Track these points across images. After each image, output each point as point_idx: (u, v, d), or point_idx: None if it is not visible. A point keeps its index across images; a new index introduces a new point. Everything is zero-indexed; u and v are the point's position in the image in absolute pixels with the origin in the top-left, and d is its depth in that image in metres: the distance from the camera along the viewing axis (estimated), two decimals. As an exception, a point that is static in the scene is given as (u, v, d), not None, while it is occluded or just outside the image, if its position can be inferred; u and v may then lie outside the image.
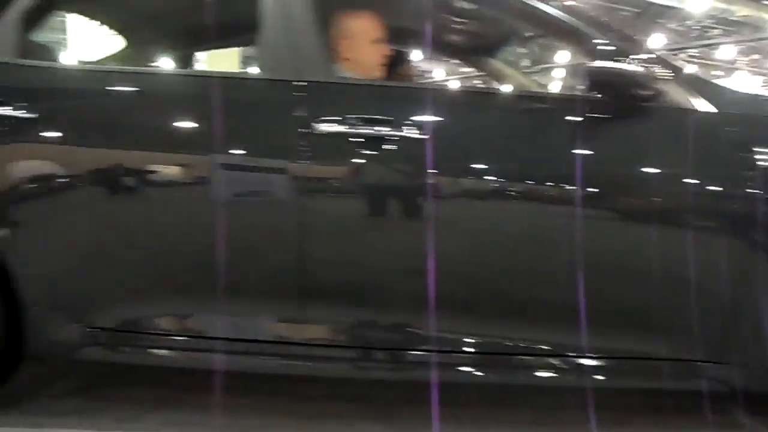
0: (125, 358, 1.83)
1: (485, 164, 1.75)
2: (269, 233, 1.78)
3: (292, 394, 2.11)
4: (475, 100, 1.93)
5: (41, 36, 2.02)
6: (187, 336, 1.83)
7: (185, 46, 2.60)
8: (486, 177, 1.75)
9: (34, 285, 1.78)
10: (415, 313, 1.73)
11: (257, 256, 1.80)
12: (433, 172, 1.71)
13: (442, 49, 2.64)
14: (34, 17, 1.95)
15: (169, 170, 1.78)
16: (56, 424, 1.90)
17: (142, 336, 1.81)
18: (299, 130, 1.71)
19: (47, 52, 2.08)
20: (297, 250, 1.74)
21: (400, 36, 2.29)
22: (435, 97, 1.86)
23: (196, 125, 1.79)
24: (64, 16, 1.99)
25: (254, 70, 2.42)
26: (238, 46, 2.87)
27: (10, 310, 1.80)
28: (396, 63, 2.33)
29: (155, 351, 1.82)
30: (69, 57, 2.06)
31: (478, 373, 1.79)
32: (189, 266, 1.79)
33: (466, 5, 2.29)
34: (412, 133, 1.70)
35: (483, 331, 1.78)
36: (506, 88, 2.54)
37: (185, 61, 2.72)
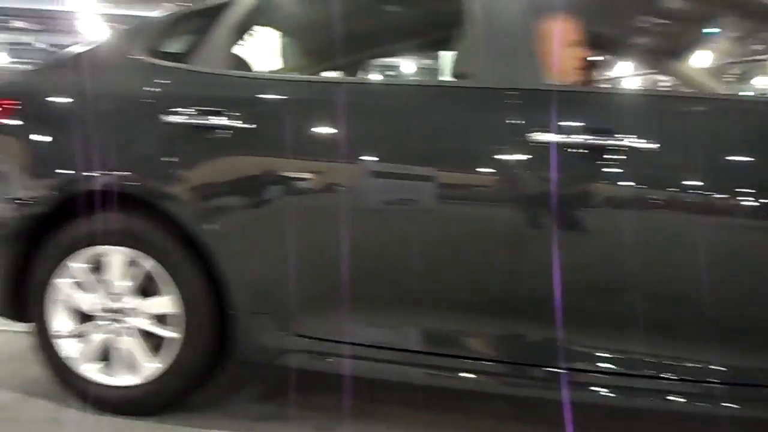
0: (330, 368, 1.82)
1: (716, 176, 1.59)
2: (478, 245, 1.71)
3: (484, 412, 2.05)
4: (703, 105, 1.77)
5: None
6: (388, 348, 1.80)
7: (383, 55, 2.60)
8: (715, 189, 1.59)
9: (244, 290, 1.82)
10: (612, 331, 1.66)
11: (463, 269, 1.74)
12: (661, 184, 1.60)
13: (644, 52, 2.47)
14: (240, 31, 2.00)
15: (375, 181, 1.75)
16: (248, 428, 1.94)
17: (346, 346, 1.80)
18: (513, 139, 1.64)
19: (247, 63, 2.14)
20: (505, 262, 1.67)
21: (597, 39, 2.16)
22: (657, 103, 1.73)
23: (404, 136, 1.75)
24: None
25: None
26: (431, 53, 2.81)
27: (219, 312, 1.86)
28: (589, 67, 2.21)
29: (359, 362, 1.80)
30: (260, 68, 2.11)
31: (610, 395, 1.67)
32: (393, 277, 1.76)
33: (677, 4, 2.12)
34: (637, 142, 1.58)
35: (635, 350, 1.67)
36: (736, 93, 2.34)
37: (383, 70, 2.73)
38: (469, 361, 1.77)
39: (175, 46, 2.11)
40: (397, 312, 1.79)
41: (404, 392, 2.08)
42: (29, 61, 33.14)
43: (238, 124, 1.80)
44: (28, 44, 30.40)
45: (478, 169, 1.69)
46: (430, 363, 1.78)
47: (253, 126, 1.80)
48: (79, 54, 2.17)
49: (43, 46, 30.75)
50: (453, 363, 1.78)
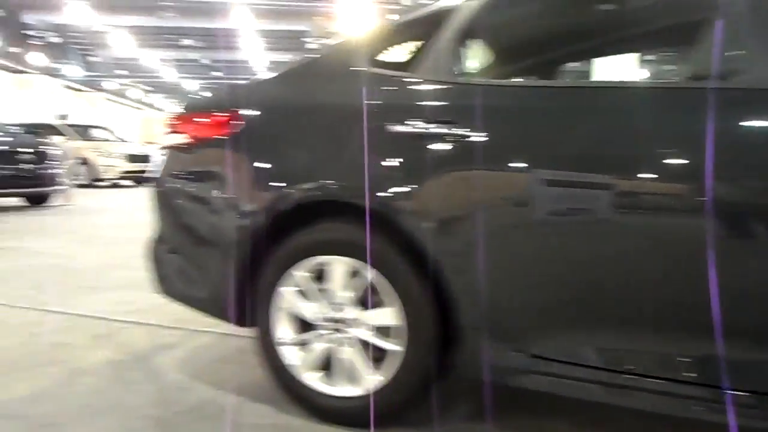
0: (570, 391, 1.69)
1: None
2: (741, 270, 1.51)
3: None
4: None
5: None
6: (624, 373, 1.63)
7: (613, 54, 2.44)
8: None
9: (472, 305, 1.74)
10: None
11: (711, 294, 1.54)
12: None
13: None
14: (464, 37, 1.93)
15: (615, 198, 1.59)
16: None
17: (584, 369, 1.66)
18: None
19: (473, 70, 2.06)
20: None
21: None
22: None
23: (657, 145, 1.57)
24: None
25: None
26: (670, 51, 2.55)
27: (443, 326, 1.80)
28: None
29: (588, 385, 1.65)
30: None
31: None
32: (633, 298, 1.60)
33: None
34: None
35: None
36: None
37: (610, 72, 2.55)
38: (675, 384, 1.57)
39: (395, 55, 2.09)
40: (629, 333, 1.63)
41: (634, 418, 1.91)
42: (195, 76, 36.03)
43: (469, 133, 1.72)
44: (195, 60, 33.13)
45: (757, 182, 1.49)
46: (654, 388, 1.60)
47: (484, 136, 1.72)
48: (299, 66, 2.21)
49: (207, 62, 33.39)
50: (659, 386, 1.59)
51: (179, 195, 2.29)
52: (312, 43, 27.33)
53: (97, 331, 2.95)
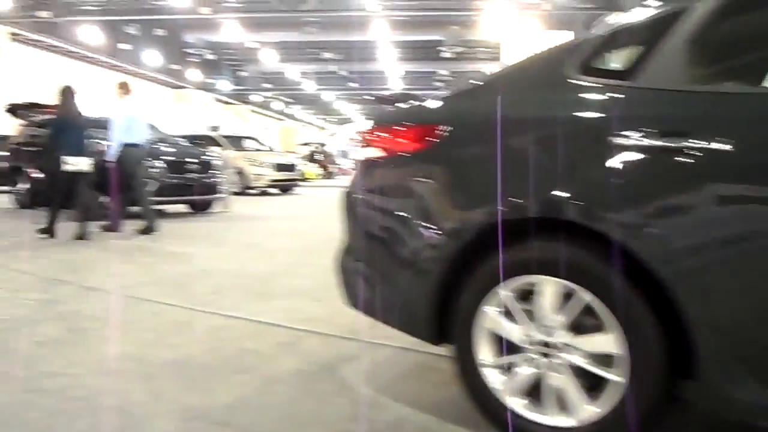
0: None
1: None
2: None
3: None
4: None
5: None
6: None
7: None
8: None
9: (714, 334, 1.56)
10: None
11: None
12: None
13: None
14: (698, 41, 1.75)
15: None
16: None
17: None
18: None
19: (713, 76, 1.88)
20: None
21: None
22: None
23: None
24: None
25: None
26: None
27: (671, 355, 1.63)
28: None
29: None
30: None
31: None
32: None
33: None
34: None
35: None
36: None
37: None
38: None
39: (609, 63, 1.95)
40: None
41: None
42: (332, 87, 37.53)
43: (707, 146, 1.55)
44: (333, 72, 34.32)
45: None
46: None
47: (728, 148, 1.54)
48: (498, 78, 2.13)
49: (345, 73, 34.48)
50: None
51: (372, 208, 2.28)
52: (447, 53, 27.42)
53: (280, 339, 3.03)
